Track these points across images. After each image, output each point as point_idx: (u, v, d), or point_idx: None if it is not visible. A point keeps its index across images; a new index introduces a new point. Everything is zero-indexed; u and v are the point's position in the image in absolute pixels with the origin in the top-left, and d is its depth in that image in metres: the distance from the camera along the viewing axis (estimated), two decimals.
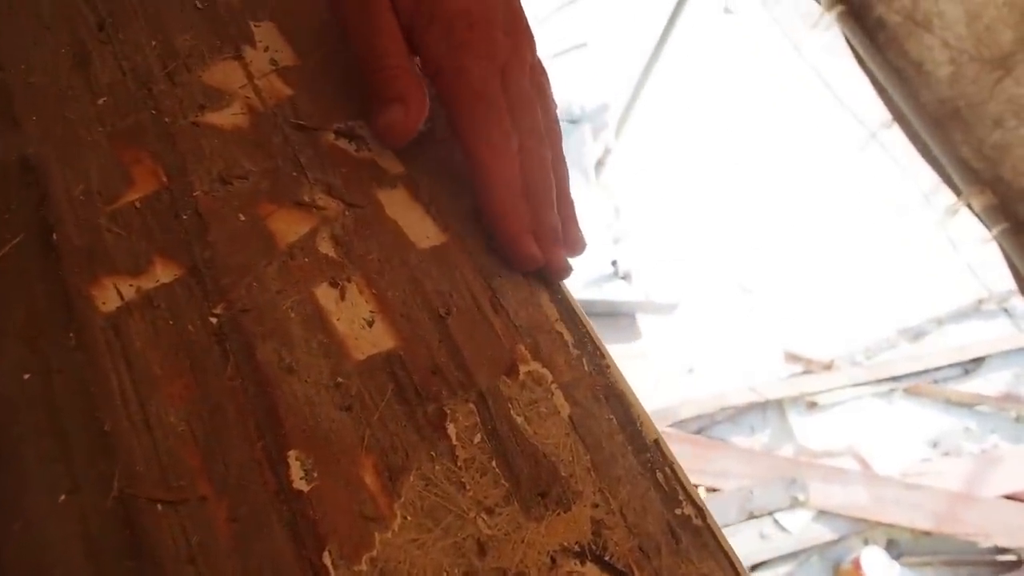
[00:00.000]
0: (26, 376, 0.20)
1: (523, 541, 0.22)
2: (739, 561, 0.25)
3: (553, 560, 0.22)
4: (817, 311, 3.57)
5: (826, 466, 2.96)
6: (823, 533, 2.82)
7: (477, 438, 0.24)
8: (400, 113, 0.30)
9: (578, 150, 3.27)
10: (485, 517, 0.22)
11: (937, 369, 3.59)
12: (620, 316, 2.94)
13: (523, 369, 0.26)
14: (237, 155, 0.28)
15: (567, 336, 0.28)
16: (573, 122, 3.34)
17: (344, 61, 0.34)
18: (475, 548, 0.21)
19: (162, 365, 0.22)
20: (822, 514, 2.87)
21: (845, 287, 3.74)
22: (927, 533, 2.89)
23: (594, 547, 0.23)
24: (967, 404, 3.56)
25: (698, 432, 3.01)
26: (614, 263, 2.85)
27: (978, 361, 3.70)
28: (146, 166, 0.26)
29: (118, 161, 0.26)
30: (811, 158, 4.19)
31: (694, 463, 2.80)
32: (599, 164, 3.45)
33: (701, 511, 0.25)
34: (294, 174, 0.29)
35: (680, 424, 2.97)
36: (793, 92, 4.40)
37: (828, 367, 3.41)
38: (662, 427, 2.86)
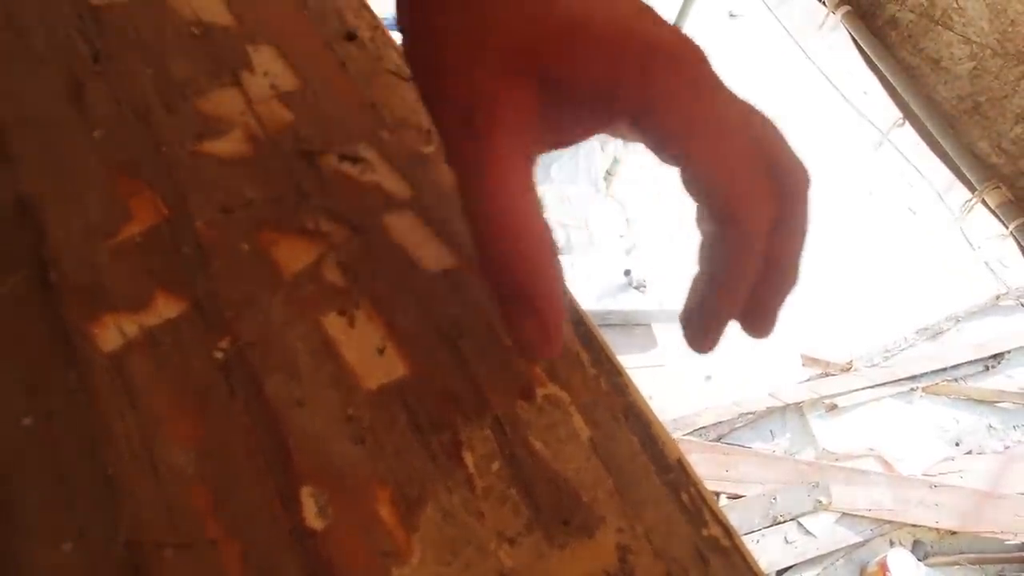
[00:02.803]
0: (26, 421, 0.20)
1: (547, 571, 0.21)
2: None
3: None
4: (834, 313, 3.55)
5: (848, 468, 2.95)
6: (848, 536, 2.80)
7: (495, 466, 0.23)
8: (534, 328, 0.23)
9: (587, 161, 3.29)
10: (507, 548, 0.21)
11: (956, 367, 3.57)
12: (635, 326, 2.95)
13: (540, 392, 0.25)
14: (238, 183, 0.28)
15: (583, 355, 0.27)
16: None
17: (346, 83, 0.33)
18: None
19: (167, 404, 0.21)
20: (846, 517, 2.85)
21: (861, 288, 3.71)
22: (953, 533, 2.87)
23: (621, 574, 0.22)
24: (988, 401, 3.54)
25: (718, 439, 3.00)
26: (627, 273, 2.86)
27: (998, 357, 3.67)
28: (145, 198, 0.26)
29: (116, 194, 0.26)
30: (822, 160, 4.18)
31: (715, 470, 2.79)
32: (608, 175, 3.45)
33: (728, 531, 0.24)
34: (297, 201, 0.28)
35: (699, 432, 2.95)
36: (802, 95, 4.40)
37: (846, 369, 3.40)
38: (681, 435, 2.84)
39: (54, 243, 0.24)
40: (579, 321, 0.28)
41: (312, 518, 0.20)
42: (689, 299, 0.27)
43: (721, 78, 0.24)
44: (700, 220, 0.26)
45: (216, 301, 0.24)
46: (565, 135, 0.25)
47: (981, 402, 3.49)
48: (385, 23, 0.38)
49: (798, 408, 3.22)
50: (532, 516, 0.22)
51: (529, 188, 0.23)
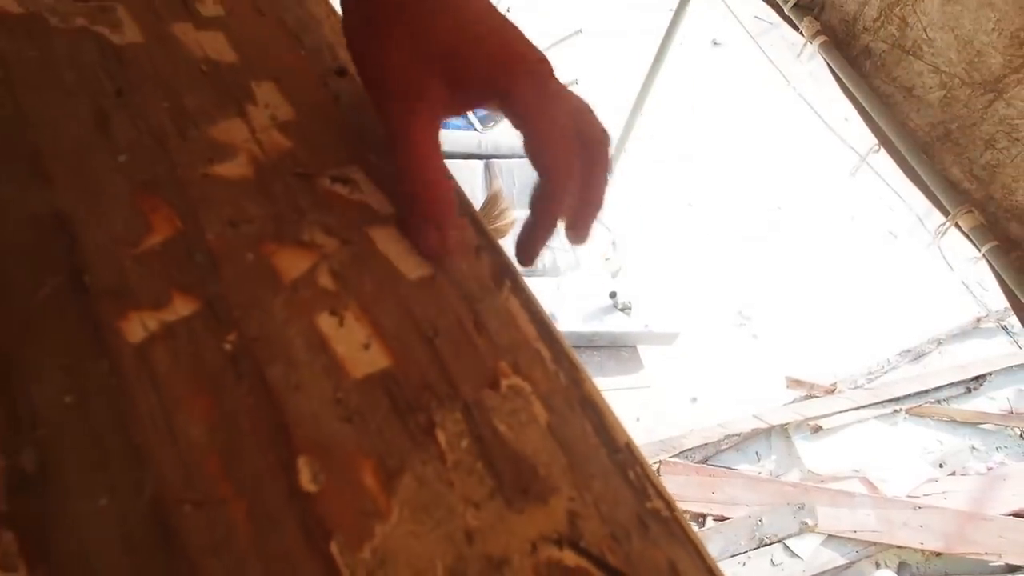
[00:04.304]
0: (67, 399, 0.23)
1: (507, 531, 0.25)
2: (705, 549, 0.28)
3: (534, 546, 0.25)
4: (817, 335, 3.59)
5: (834, 490, 2.96)
6: (834, 558, 2.81)
7: (464, 443, 0.27)
8: (436, 238, 0.33)
9: None
10: (473, 511, 0.25)
11: (939, 389, 3.59)
12: (621, 348, 2.97)
13: (504, 383, 0.29)
14: (243, 202, 0.32)
15: (544, 352, 0.31)
16: None
17: (336, 114, 0.37)
18: (464, 537, 0.24)
19: (184, 387, 0.25)
20: (832, 539, 2.86)
21: (844, 311, 3.76)
22: (938, 554, 2.88)
23: (570, 535, 0.25)
24: (971, 423, 3.56)
25: (704, 461, 3.02)
26: (613, 295, 2.88)
27: (980, 379, 3.70)
28: (163, 214, 0.30)
29: (138, 210, 0.29)
30: (805, 184, 4.26)
31: (701, 492, 2.80)
32: None
33: (669, 504, 0.28)
34: (295, 217, 0.32)
35: (686, 454, 2.97)
36: (784, 121, 4.48)
37: (831, 391, 3.42)
38: (667, 457, 2.85)
39: (86, 251, 0.27)
40: (542, 323, 0.32)
41: (307, 483, 0.24)
42: (521, 233, 0.38)
43: (558, 79, 0.36)
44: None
45: (225, 302, 0.28)
46: (459, 110, 0.36)
47: (964, 424, 3.52)
48: None
49: (783, 430, 3.24)
50: (495, 485, 0.26)
51: (438, 146, 0.35)
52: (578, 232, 0.40)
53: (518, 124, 0.35)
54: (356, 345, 0.28)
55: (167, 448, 0.23)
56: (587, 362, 2.76)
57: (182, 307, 0.27)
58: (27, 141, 0.30)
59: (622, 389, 2.77)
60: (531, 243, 0.38)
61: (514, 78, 0.34)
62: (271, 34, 0.40)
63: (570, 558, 0.25)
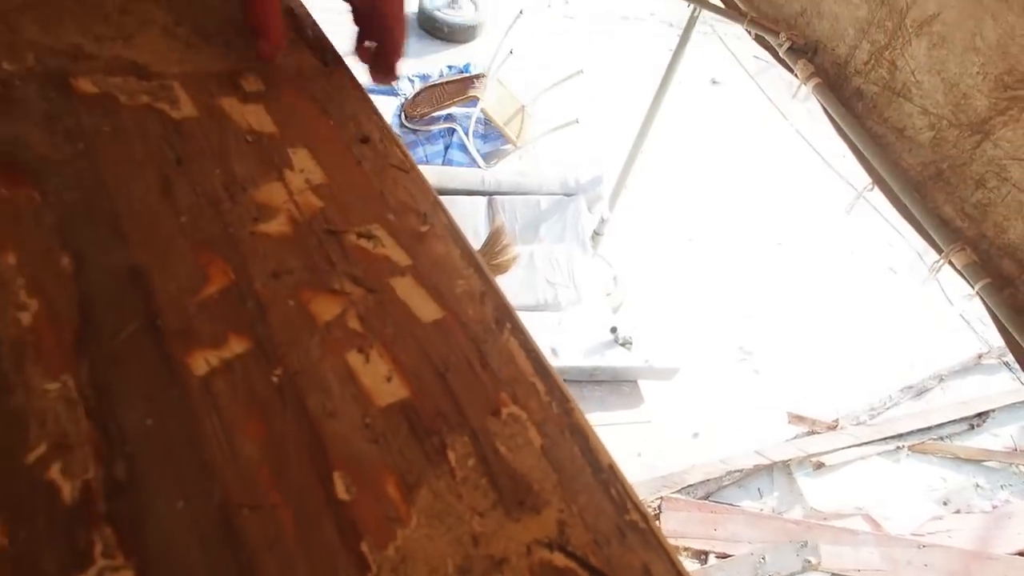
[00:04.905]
0: (148, 422, 0.29)
1: (506, 536, 0.30)
2: (676, 556, 0.33)
3: (529, 549, 0.30)
4: (818, 371, 3.61)
5: (836, 528, 2.95)
6: None
7: (471, 462, 0.32)
8: (264, 47, 0.48)
9: (575, 221, 3.39)
10: (478, 519, 0.30)
11: (941, 426, 3.59)
12: (622, 383, 2.99)
13: (505, 411, 0.34)
14: (284, 255, 0.37)
15: (539, 386, 0.36)
16: (569, 195, 3.48)
17: (362, 177, 0.43)
18: (470, 540, 0.29)
19: (240, 412, 0.30)
20: None
21: (845, 346, 3.78)
22: None
23: (559, 540, 0.30)
24: (975, 460, 3.55)
25: (706, 497, 3.02)
26: (614, 330, 2.92)
27: (983, 416, 3.70)
28: (219, 267, 0.35)
29: (198, 264, 0.35)
30: (804, 220, 4.31)
31: (703, 529, 2.81)
32: (595, 235, 3.56)
33: (646, 518, 0.33)
34: (327, 268, 0.37)
35: (688, 490, 2.98)
36: (783, 158, 4.56)
37: (833, 427, 3.43)
38: (669, 493, 2.86)
39: (158, 300, 0.33)
40: (538, 361, 0.38)
41: (341, 493, 0.29)
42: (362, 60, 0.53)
43: None
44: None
45: (271, 341, 0.33)
46: None
47: (968, 461, 3.52)
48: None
49: (785, 466, 3.25)
50: (496, 498, 0.31)
51: None
52: (388, 64, 0.52)
53: None
54: (380, 378, 0.34)
55: (228, 462, 0.29)
56: (588, 397, 2.79)
57: (236, 346, 0.32)
58: (106, 207, 0.36)
59: (623, 424, 2.80)
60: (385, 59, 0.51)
61: None
62: (304, 106, 0.46)
63: (559, 559, 0.30)
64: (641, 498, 0.34)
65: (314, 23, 0.54)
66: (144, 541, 0.26)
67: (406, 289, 0.38)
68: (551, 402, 0.36)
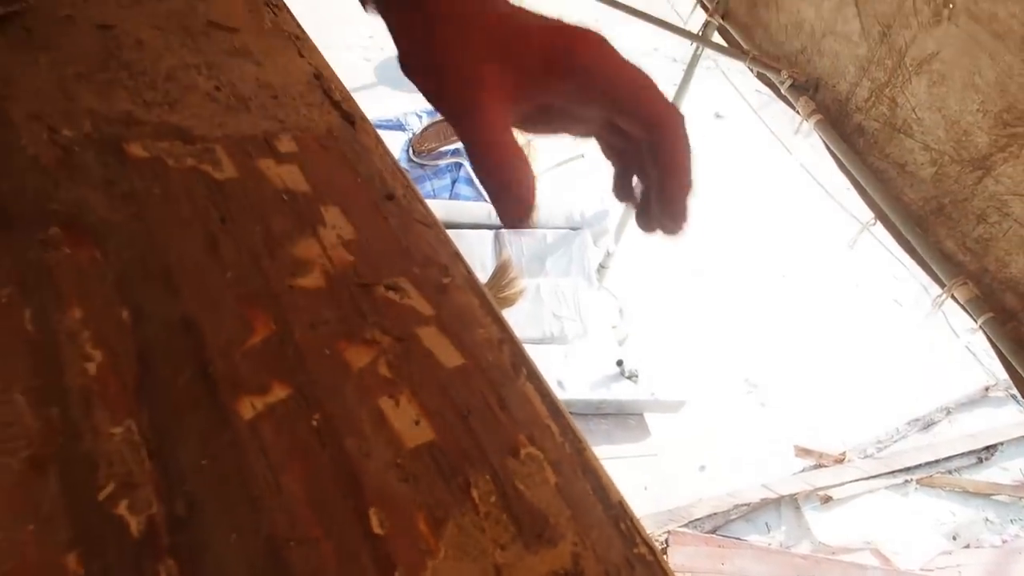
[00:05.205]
0: (204, 462, 0.32)
1: (525, 567, 0.33)
2: None
3: None
4: (825, 404, 3.62)
5: (845, 562, 2.94)
6: None
7: (492, 499, 0.35)
8: (519, 210, 0.38)
9: (580, 255, 3.44)
10: (499, 551, 0.33)
11: (949, 459, 3.58)
12: (628, 416, 3.02)
13: (523, 451, 0.37)
14: (319, 307, 0.41)
15: (554, 427, 0.39)
16: (574, 229, 3.53)
17: (388, 232, 0.47)
18: (494, 571, 0.32)
19: (284, 453, 0.33)
20: None
21: (852, 379, 3.79)
22: None
23: (574, 571, 0.33)
24: (984, 494, 3.53)
25: (713, 531, 3.02)
26: (620, 363, 2.95)
27: (991, 449, 3.69)
28: (261, 319, 0.39)
29: (243, 316, 0.38)
30: (809, 253, 4.34)
31: (710, 564, 2.80)
32: (601, 268, 3.60)
33: (653, 551, 0.36)
34: (358, 319, 0.41)
35: (694, 523, 2.98)
36: (787, 191, 4.61)
37: (840, 460, 3.42)
38: (676, 527, 2.86)
39: (208, 349, 0.36)
40: (552, 405, 0.41)
41: (377, 527, 0.32)
42: (643, 203, 0.43)
43: (612, 43, 0.37)
44: (625, 150, 0.42)
45: (311, 387, 0.36)
46: (525, 92, 0.38)
47: (977, 495, 3.50)
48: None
49: (793, 500, 3.24)
50: (516, 531, 0.34)
51: (508, 128, 0.37)
52: (675, 208, 0.41)
53: (587, 81, 0.36)
54: (409, 422, 0.37)
55: (275, 499, 0.32)
56: (594, 430, 2.81)
57: (279, 392, 0.36)
58: (159, 264, 0.39)
59: (629, 457, 2.81)
60: (671, 202, 0.41)
61: (572, 36, 0.36)
62: (334, 165, 0.50)
63: None
64: (648, 532, 0.37)
65: (340, 84, 0.58)
66: (203, 571, 0.29)
67: (431, 337, 0.41)
68: (564, 443, 0.39)
